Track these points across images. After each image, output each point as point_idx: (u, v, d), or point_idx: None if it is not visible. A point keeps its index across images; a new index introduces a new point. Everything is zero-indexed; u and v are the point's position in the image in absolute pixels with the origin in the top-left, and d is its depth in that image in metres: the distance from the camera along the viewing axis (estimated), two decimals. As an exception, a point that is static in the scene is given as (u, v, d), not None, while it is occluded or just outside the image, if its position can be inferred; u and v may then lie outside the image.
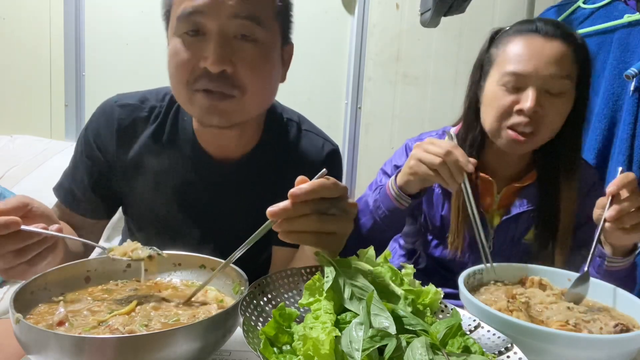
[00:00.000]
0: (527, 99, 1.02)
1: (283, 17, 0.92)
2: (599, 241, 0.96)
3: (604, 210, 0.89)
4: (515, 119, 1.04)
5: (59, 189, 1.04)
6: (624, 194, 0.87)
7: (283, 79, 0.97)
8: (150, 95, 1.03)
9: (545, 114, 1.03)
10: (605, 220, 0.88)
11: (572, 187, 1.11)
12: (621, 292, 0.84)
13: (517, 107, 1.03)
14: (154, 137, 0.99)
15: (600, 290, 0.86)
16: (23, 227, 0.66)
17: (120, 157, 0.99)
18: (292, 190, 0.64)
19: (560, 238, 1.11)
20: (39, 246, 0.69)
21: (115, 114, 0.99)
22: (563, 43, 1.04)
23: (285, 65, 0.97)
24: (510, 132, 1.05)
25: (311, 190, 0.64)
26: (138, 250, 0.74)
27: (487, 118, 1.10)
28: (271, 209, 0.64)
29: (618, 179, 0.88)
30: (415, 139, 1.27)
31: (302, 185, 0.64)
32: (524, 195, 1.16)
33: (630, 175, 0.88)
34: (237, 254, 0.68)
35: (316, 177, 0.66)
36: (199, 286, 0.73)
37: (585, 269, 0.86)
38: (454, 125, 1.26)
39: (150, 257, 0.74)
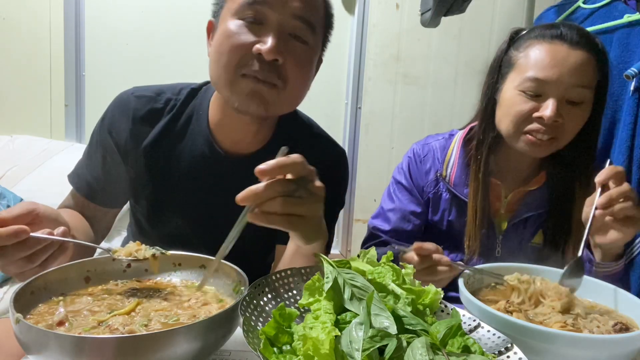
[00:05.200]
0: (547, 108, 1.00)
1: (326, 32, 0.99)
2: (587, 241, 0.96)
3: (588, 211, 0.90)
4: (534, 126, 1.03)
5: (73, 177, 1.06)
6: (612, 185, 0.88)
7: (308, 88, 0.99)
8: (166, 88, 1.05)
9: (564, 123, 1.02)
10: (596, 208, 0.88)
11: (589, 194, 1.10)
12: (619, 291, 0.84)
13: (536, 115, 1.02)
14: (168, 129, 1.01)
15: (597, 290, 0.86)
16: (31, 234, 0.67)
17: (134, 147, 1.00)
18: (259, 167, 0.65)
19: (574, 243, 1.09)
20: (47, 250, 0.71)
21: (131, 104, 1.01)
22: (587, 51, 1.02)
23: (314, 76, 1.00)
24: (528, 136, 1.04)
25: (277, 166, 0.65)
26: (142, 250, 0.75)
27: (504, 122, 1.08)
28: (239, 195, 0.65)
29: (606, 170, 0.89)
30: (422, 142, 1.26)
31: (269, 161, 0.65)
32: (532, 198, 1.15)
33: (619, 167, 0.89)
34: (228, 245, 0.68)
35: (278, 154, 0.67)
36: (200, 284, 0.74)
37: (579, 253, 0.87)
38: (461, 129, 1.25)
39: (154, 256, 0.75)
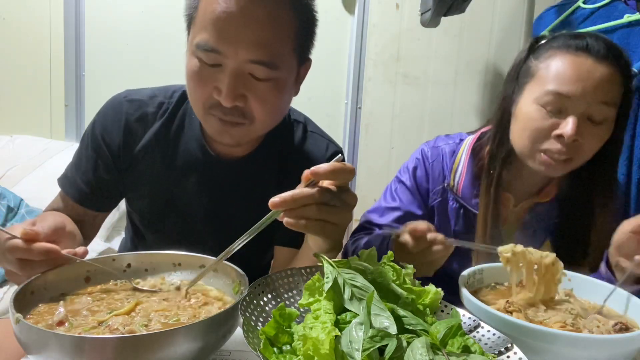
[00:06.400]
0: (568, 126, 0.93)
1: (304, 45, 0.92)
2: (607, 265, 0.94)
3: (625, 235, 0.86)
4: (551, 145, 0.97)
5: (63, 180, 1.05)
6: None
7: (296, 92, 0.98)
8: (159, 91, 1.04)
9: (584, 142, 0.96)
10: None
11: (610, 211, 1.05)
12: (619, 291, 0.84)
13: (555, 133, 0.96)
14: (161, 132, 1.00)
15: (597, 290, 0.86)
16: (62, 251, 0.70)
17: (127, 152, 1.00)
18: (313, 168, 0.64)
19: (593, 259, 1.05)
20: (63, 265, 0.73)
21: (124, 108, 1.00)
22: (613, 66, 0.95)
23: (300, 80, 0.97)
24: (544, 155, 0.99)
25: (330, 170, 0.65)
26: (165, 283, 0.77)
27: (519, 138, 1.02)
28: (273, 200, 0.64)
29: None
30: (432, 144, 1.21)
31: (323, 164, 0.65)
32: (541, 209, 1.12)
33: None
34: (237, 245, 0.68)
35: (334, 160, 0.66)
36: (194, 279, 0.75)
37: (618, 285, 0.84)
38: (471, 133, 1.20)
39: (177, 287, 0.76)
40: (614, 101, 0.96)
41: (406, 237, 0.89)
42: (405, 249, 0.90)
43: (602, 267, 0.96)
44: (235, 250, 0.69)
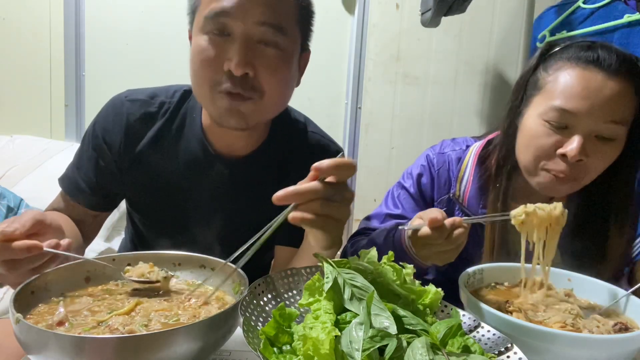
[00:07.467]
0: (572, 145, 0.90)
1: (304, 26, 0.94)
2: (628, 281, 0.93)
3: None
4: (555, 164, 0.94)
5: (64, 180, 1.05)
6: None
7: (298, 83, 0.99)
8: (160, 91, 1.04)
9: (590, 161, 0.92)
10: None
11: (624, 233, 1.01)
12: (619, 291, 0.84)
13: (559, 151, 0.92)
14: (162, 132, 1.00)
15: (597, 290, 0.86)
16: (45, 248, 0.68)
17: (128, 151, 1.00)
18: (317, 164, 0.65)
19: (609, 272, 1.01)
20: (54, 261, 0.72)
21: (125, 108, 1.00)
22: (626, 80, 0.90)
23: (301, 71, 0.99)
24: (547, 174, 0.95)
25: (334, 165, 0.65)
26: (154, 272, 0.75)
27: (523, 154, 0.99)
28: (277, 194, 0.64)
29: None
30: (438, 150, 1.17)
31: (326, 160, 0.65)
32: None
33: None
34: (251, 248, 0.67)
35: (337, 157, 0.67)
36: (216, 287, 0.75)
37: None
38: (477, 138, 1.17)
39: (165, 278, 0.75)
40: (625, 119, 0.92)
41: (425, 230, 0.85)
42: (427, 241, 0.86)
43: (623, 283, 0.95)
44: (250, 254, 0.67)
